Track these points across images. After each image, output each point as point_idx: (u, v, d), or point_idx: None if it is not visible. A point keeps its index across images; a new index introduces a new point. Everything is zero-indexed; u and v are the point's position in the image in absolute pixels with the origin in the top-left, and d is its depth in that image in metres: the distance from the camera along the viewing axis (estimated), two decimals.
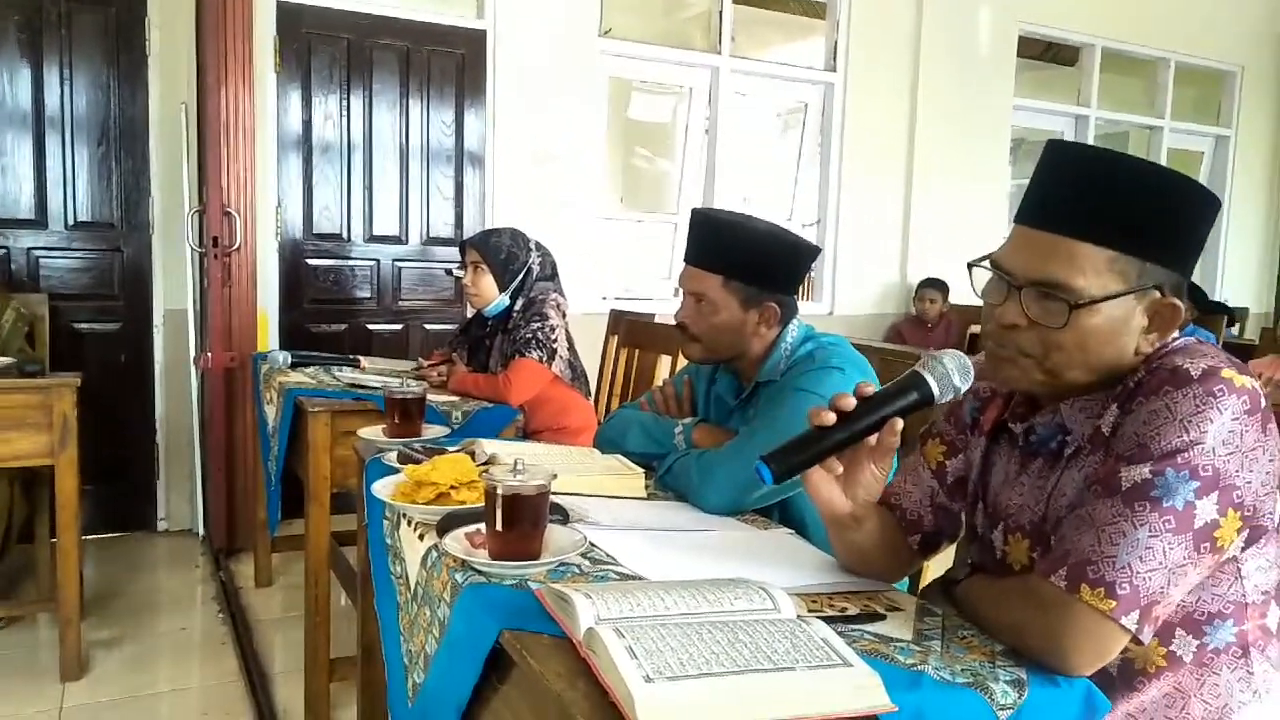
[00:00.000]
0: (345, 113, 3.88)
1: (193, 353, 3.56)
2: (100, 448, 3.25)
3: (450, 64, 4.03)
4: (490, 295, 2.55)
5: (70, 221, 3.52)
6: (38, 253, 3.46)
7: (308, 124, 3.82)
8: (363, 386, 2.45)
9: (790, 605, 0.97)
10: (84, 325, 3.50)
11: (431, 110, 4.02)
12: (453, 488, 1.34)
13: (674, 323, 1.70)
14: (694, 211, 1.68)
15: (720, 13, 4.60)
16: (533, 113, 4.13)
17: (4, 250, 3.39)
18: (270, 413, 2.70)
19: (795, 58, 5.21)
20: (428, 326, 4.12)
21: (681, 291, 1.67)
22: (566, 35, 4.17)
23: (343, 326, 3.95)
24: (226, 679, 2.50)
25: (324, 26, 3.79)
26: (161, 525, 3.67)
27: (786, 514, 1.57)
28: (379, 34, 3.88)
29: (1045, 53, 5.85)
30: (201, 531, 3.58)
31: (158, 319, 3.64)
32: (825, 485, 1.11)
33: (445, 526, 1.22)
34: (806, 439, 1.08)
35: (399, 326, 4.06)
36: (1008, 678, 0.89)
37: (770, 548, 1.34)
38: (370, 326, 4.00)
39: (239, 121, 3.38)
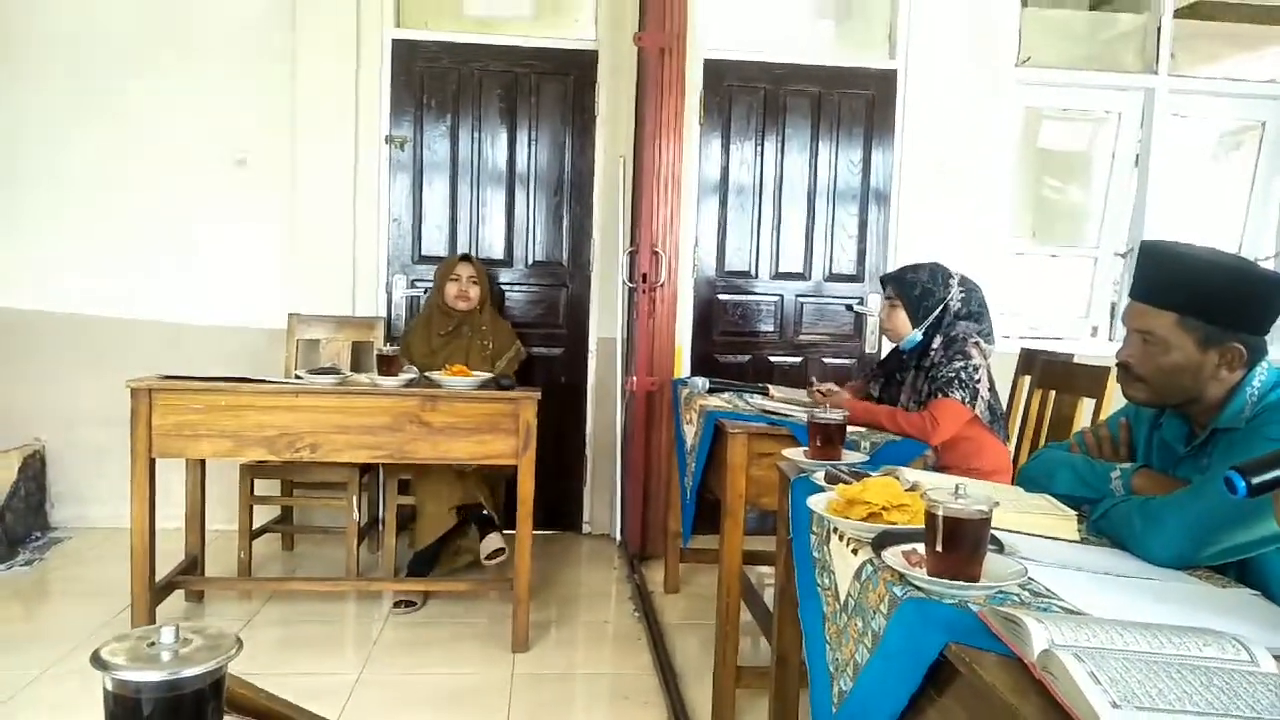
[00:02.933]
0: (759, 157, 4.14)
1: (619, 377, 4.00)
2: (542, 456, 3.76)
3: (860, 104, 4.14)
4: (904, 330, 2.59)
5: (530, 261, 4.15)
6: (504, 287, 4.12)
7: (725, 169, 4.14)
8: (774, 413, 2.60)
9: (1271, 661, 0.90)
10: (535, 349, 4.08)
11: (840, 150, 4.16)
12: (884, 508, 1.40)
13: (1116, 362, 1.61)
14: (1144, 244, 1.59)
15: (1158, 29, 4.21)
16: (940, 146, 4.09)
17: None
18: (689, 433, 2.95)
19: (1247, 72, 4.60)
20: (825, 360, 4.23)
21: (1126, 329, 1.58)
22: (980, 68, 4.09)
23: (747, 357, 4.20)
24: (641, 671, 2.76)
25: (744, 78, 4.10)
26: (585, 528, 4.16)
27: (1245, 575, 1.41)
28: (793, 81, 4.11)
29: None
30: (618, 537, 3.99)
31: (592, 345, 4.14)
32: None
33: (880, 543, 1.29)
34: None
35: (798, 359, 4.22)
36: None
37: (1231, 604, 1.22)
38: (772, 358, 4.21)
39: (668, 170, 3.75)
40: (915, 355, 2.62)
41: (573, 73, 4.11)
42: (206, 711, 0.69)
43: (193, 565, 3.06)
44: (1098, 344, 4.34)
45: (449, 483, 3.22)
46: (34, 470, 3.76)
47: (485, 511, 3.26)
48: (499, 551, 3.16)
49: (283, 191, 3.92)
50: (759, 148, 4.14)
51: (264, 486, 3.49)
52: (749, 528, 2.52)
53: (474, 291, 3.57)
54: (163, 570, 2.83)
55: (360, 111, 3.94)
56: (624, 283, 3.96)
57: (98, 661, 0.67)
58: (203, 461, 3.09)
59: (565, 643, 2.98)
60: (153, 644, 0.69)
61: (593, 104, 4.10)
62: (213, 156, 3.90)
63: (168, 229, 3.90)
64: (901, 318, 2.59)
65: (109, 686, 0.67)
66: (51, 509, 3.88)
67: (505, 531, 3.49)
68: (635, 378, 3.73)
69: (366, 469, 3.37)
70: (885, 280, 2.69)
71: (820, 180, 4.18)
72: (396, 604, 3.14)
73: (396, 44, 4.01)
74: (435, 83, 4.05)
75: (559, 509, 4.11)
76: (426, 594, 3.21)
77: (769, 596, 2.92)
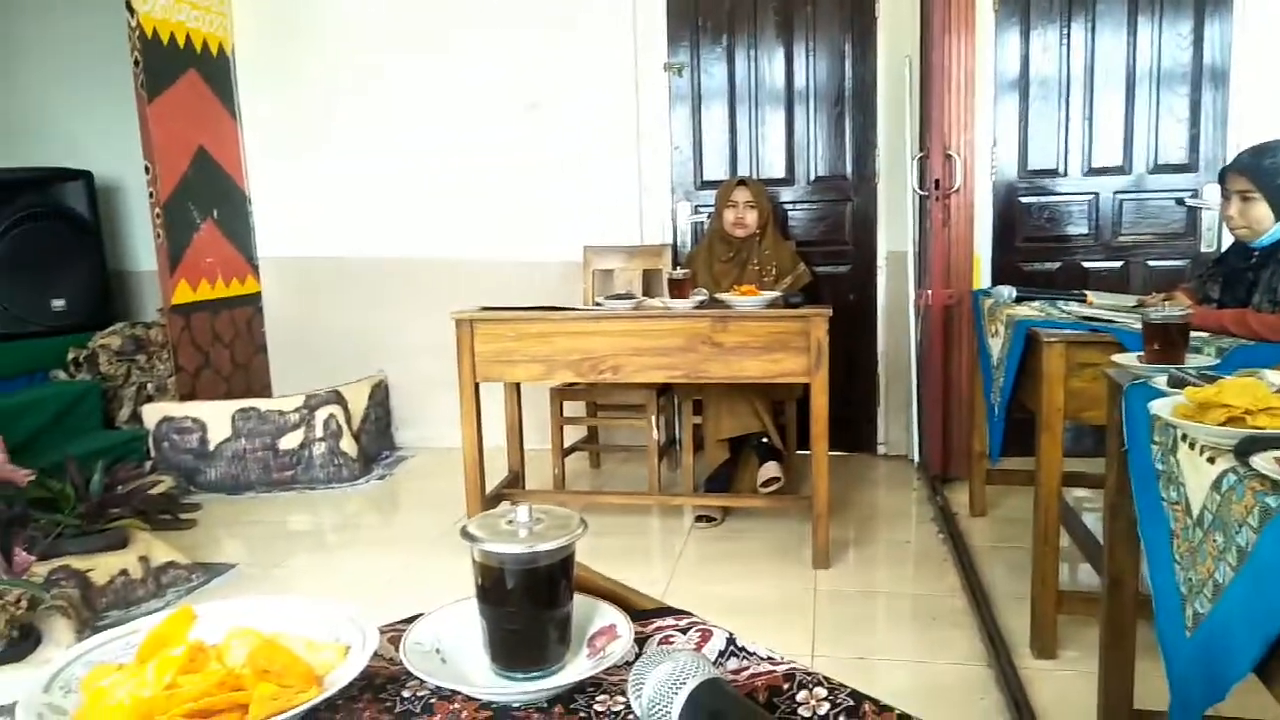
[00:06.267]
0: (1064, 42, 3.72)
1: (911, 292, 3.82)
2: (833, 376, 3.70)
3: None
4: (1265, 225, 2.22)
5: (811, 177, 4.05)
6: (786, 206, 4.05)
7: (1025, 59, 3.76)
8: (1095, 319, 2.35)
9: None
10: (820, 268, 3.99)
11: (1164, 24, 3.63)
12: (1247, 412, 1.22)
13: None
14: None
15: None
16: None
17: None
18: (994, 345, 2.76)
19: None
20: (1151, 263, 3.77)
21: None
22: None
23: (1055, 265, 3.84)
24: (947, 593, 2.67)
25: None
26: (880, 449, 4.06)
27: None
28: None
29: None
30: (916, 458, 3.86)
31: (880, 261, 3.99)
32: None
33: (1246, 449, 1.13)
34: None
35: (1118, 263, 3.80)
36: None
37: None
38: (1085, 264, 3.82)
39: (960, 66, 3.47)
40: (1270, 250, 2.25)
41: None
42: (559, 584, 0.74)
43: (514, 480, 3.36)
44: None
45: (725, 414, 3.25)
46: (380, 398, 4.28)
47: (765, 439, 3.28)
48: (774, 480, 3.16)
49: (571, 130, 4.10)
50: (1064, 31, 3.71)
51: (571, 409, 3.74)
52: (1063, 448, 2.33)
53: (750, 217, 3.54)
54: (490, 484, 3.12)
55: (639, 41, 4.01)
56: (914, 191, 3.75)
57: (467, 535, 0.73)
58: (518, 387, 3.36)
59: (865, 561, 2.94)
60: (510, 522, 0.75)
61: (872, 6, 3.88)
62: (506, 102, 4.14)
63: (477, 177, 4.21)
64: (1262, 211, 2.21)
65: (476, 558, 0.73)
66: (396, 431, 4.42)
67: (800, 452, 3.51)
68: (930, 291, 3.54)
69: (663, 391, 3.49)
70: (1235, 169, 2.31)
71: (1140, 61, 3.68)
72: (697, 519, 3.26)
73: None
74: (710, 5, 4.01)
75: (852, 430, 4.04)
76: (725, 510, 3.29)
77: (1088, 521, 2.71)
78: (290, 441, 3.79)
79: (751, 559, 2.97)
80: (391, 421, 4.41)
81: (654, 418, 3.40)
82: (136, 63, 3.74)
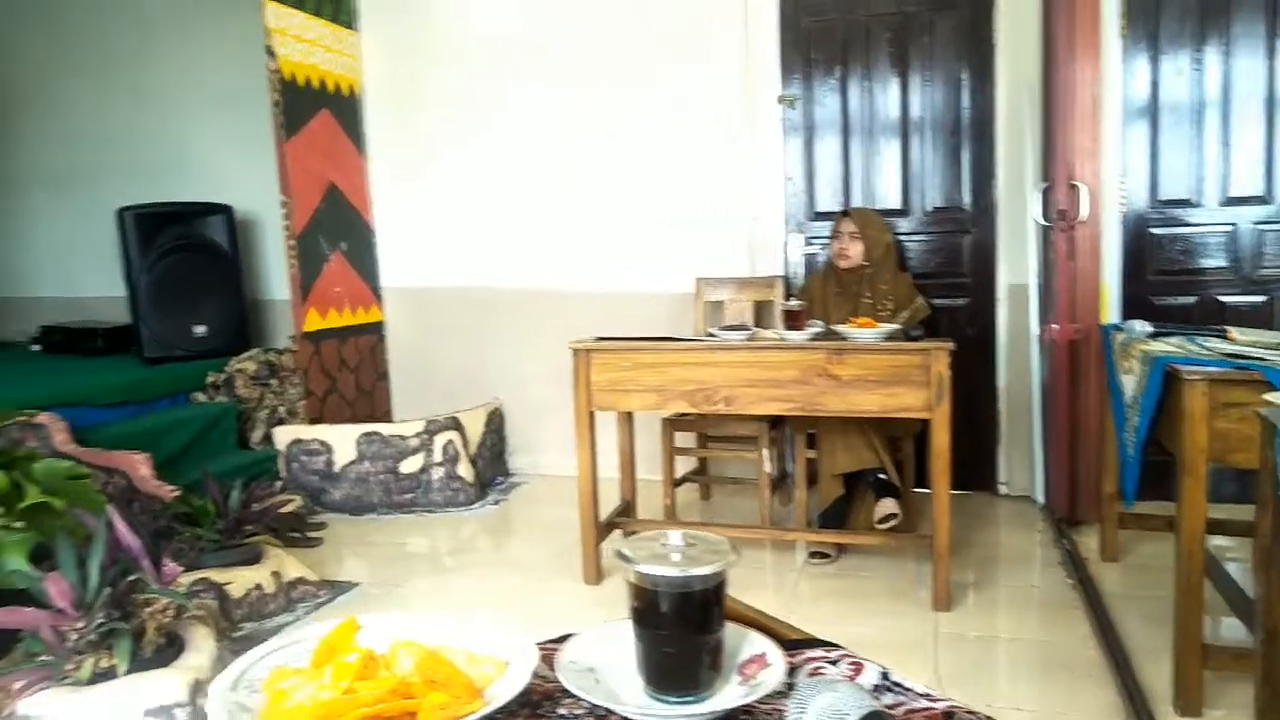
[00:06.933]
0: (1197, 66, 3.57)
1: (1034, 326, 3.70)
2: (951, 411, 3.60)
3: None
4: None
5: (927, 208, 3.98)
6: (901, 238, 3.99)
7: (1154, 85, 3.62)
8: (1240, 356, 2.23)
9: None
10: (936, 300, 3.90)
11: None
12: None
13: None
14: None
15: None
16: None
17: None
18: (1128, 383, 2.65)
19: None
20: None
21: None
22: None
23: (1190, 299, 3.66)
24: (1078, 642, 2.54)
25: None
26: (1001, 489, 3.92)
27: None
28: None
29: None
30: (1041, 499, 3.71)
31: (1000, 294, 3.88)
32: None
33: None
34: None
35: (1260, 298, 3.60)
36: None
37: None
38: (1223, 298, 3.63)
39: (1084, 92, 3.37)
40: None
41: (967, 3, 3.85)
42: (713, 610, 0.74)
43: (626, 508, 3.37)
44: None
45: (841, 448, 3.19)
46: (495, 424, 4.38)
47: (882, 475, 3.21)
48: (891, 517, 3.09)
49: (684, 163, 4.14)
50: (1197, 54, 3.57)
51: (681, 440, 3.75)
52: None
53: (855, 249, 3.50)
54: (602, 512, 3.15)
55: (752, 74, 4.04)
56: (1036, 222, 3.64)
57: (622, 557, 0.75)
58: (631, 416, 3.39)
59: (988, 605, 2.84)
60: (664, 545, 0.76)
61: (991, 33, 3.81)
62: (621, 136, 4.22)
63: (588, 210, 4.31)
64: None
65: (631, 579, 0.75)
66: (511, 457, 4.51)
67: (915, 489, 3.43)
68: (1055, 325, 3.42)
69: (775, 423, 3.46)
70: None
71: None
72: (811, 555, 3.21)
73: (784, 1, 4.04)
74: (822, 36, 4.02)
75: (971, 468, 3.91)
76: (840, 546, 3.23)
77: (1233, 570, 2.55)
78: (410, 465, 3.92)
79: (868, 598, 2.90)
80: (505, 448, 4.50)
81: (766, 450, 3.37)
82: (276, 104, 3.97)
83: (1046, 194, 3.54)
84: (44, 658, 2.07)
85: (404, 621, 0.82)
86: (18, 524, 2.35)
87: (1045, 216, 3.55)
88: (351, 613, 0.83)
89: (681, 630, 0.73)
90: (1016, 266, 3.81)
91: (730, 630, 0.79)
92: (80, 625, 2.04)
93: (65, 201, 5.31)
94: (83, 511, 2.37)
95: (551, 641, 0.83)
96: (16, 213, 5.49)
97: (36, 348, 4.90)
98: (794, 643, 0.83)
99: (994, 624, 2.71)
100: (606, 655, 0.79)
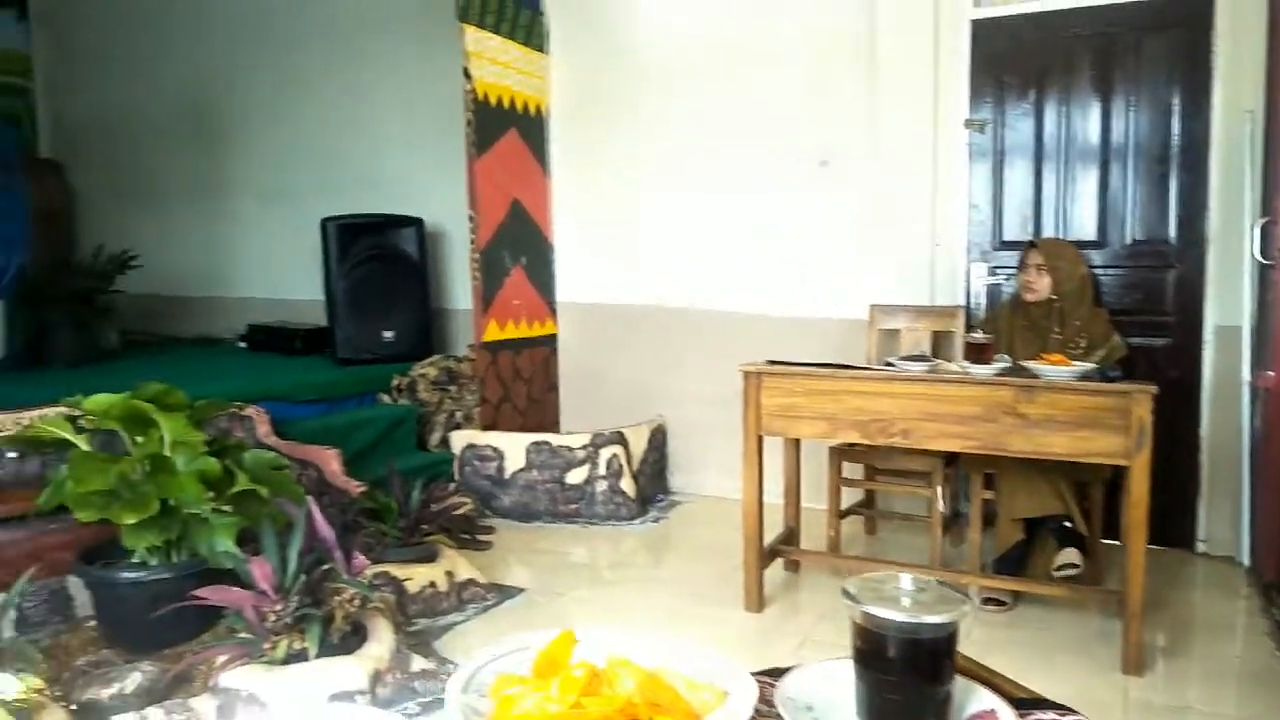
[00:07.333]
0: None
1: (1245, 371, 3.40)
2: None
3: None
4: None
5: (1126, 241, 3.74)
6: (1096, 270, 3.76)
7: None
8: None
9: None
10: (1133, 339, 3.65)
11: None
12: None
13: None
14: None
15: None
16: None
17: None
18: None
19: None
20: None
21: None
22: None
23: None
24: None
25: None
26: (1200, 546, 3.61)
27: None
28: None
29: None
30: (1246, 560, 3.40)
31: (1207, 335, 3.59)
32: None
33: None
34: None
35: None
36: None
37: None
38: None
39: None
40: None
41: (1181, 23, 3.60)
42: (943, 661, 0.71)
43: (790, 537, 3.32)
44: None
45: (1023, 491, 3.03)
46: (658, 442, 4.42)
47: (1068, 523, 3.02)
48: (1070, 566, 2.89)
49: (862, 187, 4.06)
50: None
51: (848, 470, 3.65)
52: None
53: (1041, 282, 3.31)
54: (765, 538, 3.11)
55: (939, 98, 3.92)
56: (1253, 259, 3.35)
57: (848, 596, 0.73)
58: (797, 443, 3.33)
59: (1181, 674, 2.62)
60: (895, 588, 0.73)
61: (1208, 56, 3.55)
62: (797, 159, 4.19)
63: (759, 232, 4.29)
64: None
65: (857, 619, 0.73)
66: (671, 476, 4.53)
67: (1103, 541, 3.21)
68: (1271, 372, 3.13)
69: (950, 460, 3.33)
70: None
71: None
72: (985, 601, 3.05)
73: (976, 24, 3.90)
74: (1016, 59, 3.85)
75: (1166, 522, 3.61)
76: (1016, 595, 3.06)
77: None
78: (576, 476, 4.00)
79: (1047, 652, 2.73)
80: (667, 466, 4.53)
81: (940, 487, 3.24)
82: (469, 123, 4.17)
83: (1266, 229, 3.25)
84: (244, 635, 2.23)
85: (616, 638, 0.82)
86: (227, 508, 2.55)
87: (1264, 254, 3.26)
88: (519, 618, 0.85)
89: (909, 678, 0.71)
90: (1228, 306, 3.52)
91: (956, 683, 0.76)
92: (279, 608, 2.19)
93: (274, 211, 5.76)
94: (285, 501, 2.55)
95: (760, 674, 0.82)
96: (231, 219, 6.00)
97: (243, 345, 5.33)
98: (1024, 701, 0.78)
99: (1187, 694, 2.50)
100: (824, 693, 0.78)
